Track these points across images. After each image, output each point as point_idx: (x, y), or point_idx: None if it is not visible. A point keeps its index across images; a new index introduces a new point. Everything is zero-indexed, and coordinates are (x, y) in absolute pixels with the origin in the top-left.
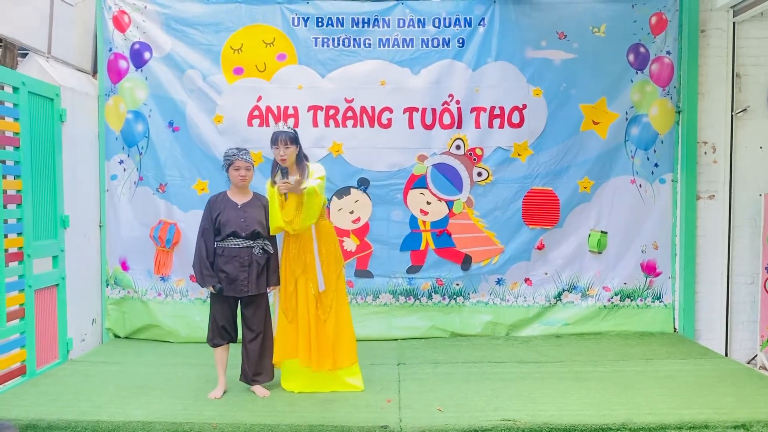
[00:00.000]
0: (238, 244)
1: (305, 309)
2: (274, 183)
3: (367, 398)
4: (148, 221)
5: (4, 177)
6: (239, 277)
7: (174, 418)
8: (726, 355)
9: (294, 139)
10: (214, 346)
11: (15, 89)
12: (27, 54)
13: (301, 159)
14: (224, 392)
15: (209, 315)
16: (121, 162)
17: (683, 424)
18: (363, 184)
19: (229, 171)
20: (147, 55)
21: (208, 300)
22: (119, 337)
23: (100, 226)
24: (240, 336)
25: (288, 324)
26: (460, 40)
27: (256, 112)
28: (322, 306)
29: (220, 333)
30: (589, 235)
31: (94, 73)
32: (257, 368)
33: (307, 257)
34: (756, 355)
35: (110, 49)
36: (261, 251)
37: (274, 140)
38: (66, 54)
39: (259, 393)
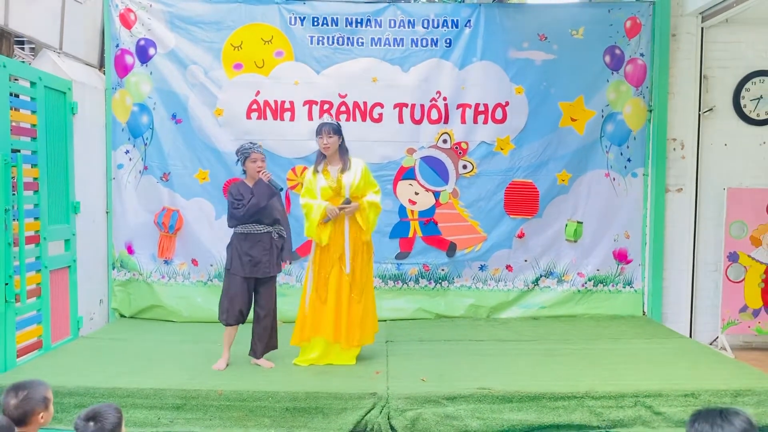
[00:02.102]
0: (260, 230)
1: (337, 290)
2: (316, 171)
3: (357, 370)
4: (152, 208)
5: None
6: (262, 260)
7: (183, 386)
8: (690, 337)
9: (337, 130)
10: (229, 324)
11: (32, 84)
12: (26, 47)
13: (344, 151)
14: (227, 365)
15: (225, 296)
16: (127, 152)
17: (639, 393)
18: None
19: (246, 164)
20: (152, 51)
21: (209, 282)
22: (125, 317)
23: (107, 213)
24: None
25: (320, 305)
26: (448, 41)
27: (255, 106)
28: (357, 288)
29: (237, 315)
30: (566, 225)
31: (102, 67)
32: (267, 343)
33: (342, 243)
34: (717, 337)
35: (117, 45)
36: (278, 236)
37: (319, 131)
38: (76, 50)
39: (266, 365)
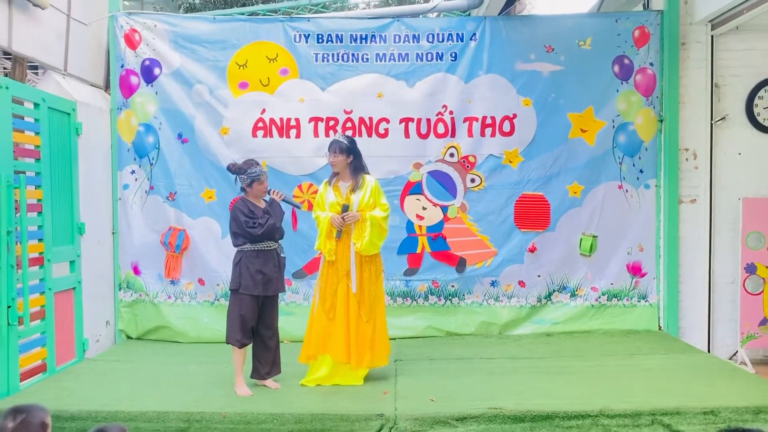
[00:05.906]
0: (270, 246)
1: (345, 308)
2: (329, 184)
3: (365, 390)
4: (158, 228)
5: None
6: (273, 277)
7: (187, 409)
8: (708, 351)
9: (344, 149)
10: (242, 346)
11: (36, 105)
12: (39, 71)
13: (358, 169)
14: None
15: (235, 317)
16: (133, 172)
17: (656, 411)
18: None
19: (254, 186)
20: (157, 71)
21: (216, 302)
22: (131, 338)
23: (113, 233)
24: None
25: (328, 321)
26: (453, 54)
27: (261, 124)
28: (365, 307)
29: (249, 333)
30: (581, 240)
31: (107, 88)
32: (272, 366)
33: (348, 258)
34: (737, 351)
35: (122, 66)
36: (280, 253)
37: (328, 147)
38: (81, 71)
39: (272, 386)
